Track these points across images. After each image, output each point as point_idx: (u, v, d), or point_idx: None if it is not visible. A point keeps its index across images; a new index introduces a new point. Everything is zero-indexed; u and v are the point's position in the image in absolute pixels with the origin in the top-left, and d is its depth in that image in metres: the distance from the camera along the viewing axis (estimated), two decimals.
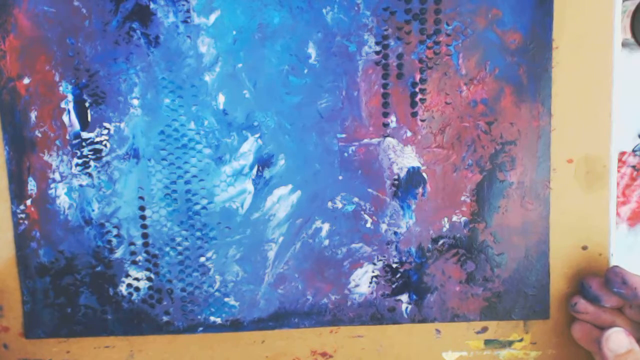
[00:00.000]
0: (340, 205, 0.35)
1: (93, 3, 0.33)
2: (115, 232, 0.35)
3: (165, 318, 0.36)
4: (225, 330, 0.36)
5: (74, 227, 0.35)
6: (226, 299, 0.36)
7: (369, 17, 0.33)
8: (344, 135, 0.34)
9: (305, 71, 0.34)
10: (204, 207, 0.35)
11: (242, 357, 0.37)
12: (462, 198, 0.35)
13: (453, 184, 0.35)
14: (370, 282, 0.36)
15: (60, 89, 0.34)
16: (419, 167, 0.35)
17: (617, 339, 0.31)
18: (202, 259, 0.35)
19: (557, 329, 0.36)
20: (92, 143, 0.34)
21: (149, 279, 0.35)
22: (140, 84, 0.34)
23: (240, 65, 0.34)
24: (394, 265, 0.36)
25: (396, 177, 0.35)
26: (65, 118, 0.34)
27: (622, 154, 0.47)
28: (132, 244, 0.35)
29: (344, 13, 0.33)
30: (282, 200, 0.35)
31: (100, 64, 0.33)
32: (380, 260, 0.36)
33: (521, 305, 0.36)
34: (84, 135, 0.34)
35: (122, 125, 0.34)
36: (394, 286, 0.36)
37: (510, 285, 0.36)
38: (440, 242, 0.35)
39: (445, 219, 0.35)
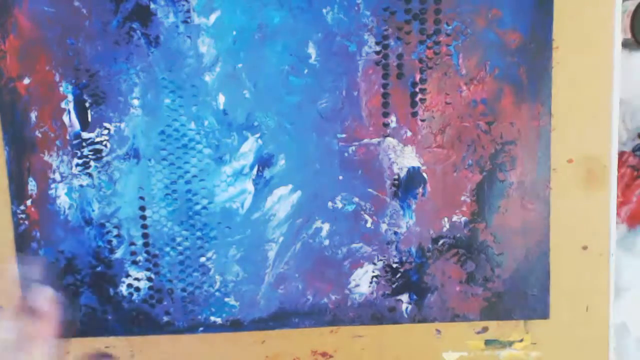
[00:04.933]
0: (340, 205, 0.35)
1: (93, 3, 0.33)
2: (115, 232, 0.35)
3: (165, 318, 0.36)
4: (225, 330, 0.36)
5: (74, 227, 0.35)
6: (226, 299, 0.36)
7: (369, 17, 0.33)
8: (344, 135, 0.34)
9: (306, 71, 0.34)
10: (204, 207, 0.35)
11: (242, 357, 0.37)
12: (462, 198, 0.35)
13: (453, 184, 0.35)
14: (371, 282, 0.36)
15: (61, 89, 0.34)
16: (419, 167, 0.35)
17: None
18: (203, 259, 0.35)
19: (557, 329, 0.36)
20: (93, 143, 0.34)
21: (149, 279, 0.35)
22: (140, 84, 0.34)
23: (240, 65, 0.34)
24: (394, 265, 0.36)
25: (396, 177, 0.35)
26: (65, 118, 0.34)
27: (622, 154, 0.47)
28: (132, 244, 0.35)
29: (344, 13, 0.33)
30: (283, 200, 0.35)
31: (101, 64, 0.33)
32: (381, 260, 0.35)
33: (521, 305, 0.36)
34: (84, 135, 0.34)
35: (122, 125, 0.34)
36: (394, 286, 0.36)
37: (510, 285, 0.36)
38: (441, 242, 0.35)
39: (445, 219, 0.35)
